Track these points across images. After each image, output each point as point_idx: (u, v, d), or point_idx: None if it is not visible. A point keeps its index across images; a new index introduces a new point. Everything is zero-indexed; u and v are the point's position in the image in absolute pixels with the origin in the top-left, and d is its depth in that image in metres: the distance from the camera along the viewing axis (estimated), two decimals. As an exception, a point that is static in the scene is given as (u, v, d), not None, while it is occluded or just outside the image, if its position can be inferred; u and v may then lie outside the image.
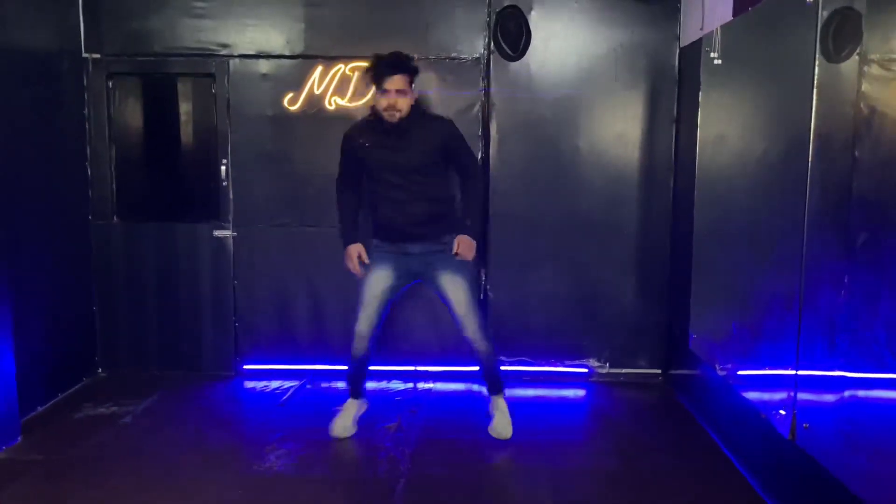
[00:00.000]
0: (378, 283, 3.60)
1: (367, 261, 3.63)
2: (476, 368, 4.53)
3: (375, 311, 3.61)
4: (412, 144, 3.47)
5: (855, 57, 2.80)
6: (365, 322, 3.61)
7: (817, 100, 2.71)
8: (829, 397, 2.81)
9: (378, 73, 3.40)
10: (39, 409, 3.97)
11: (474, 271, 3.65)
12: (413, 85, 3.49)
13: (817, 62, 2.70)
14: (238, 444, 3.61)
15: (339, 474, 3.30)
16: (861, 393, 2.71)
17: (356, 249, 3.64)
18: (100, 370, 4.60)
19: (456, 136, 3.62)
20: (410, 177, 3.49)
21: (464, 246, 3.55)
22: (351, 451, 3.53)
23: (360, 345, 3.65)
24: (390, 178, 3.52)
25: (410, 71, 3.45)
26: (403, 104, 3.42)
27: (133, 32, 4.41)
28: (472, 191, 3.67)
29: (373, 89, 4.34)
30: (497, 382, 3.76)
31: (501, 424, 3.68)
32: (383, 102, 3.41)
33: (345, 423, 3.70)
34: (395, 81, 3.38)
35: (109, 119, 4.48)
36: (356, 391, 3.79)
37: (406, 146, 3.48)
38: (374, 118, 3.54)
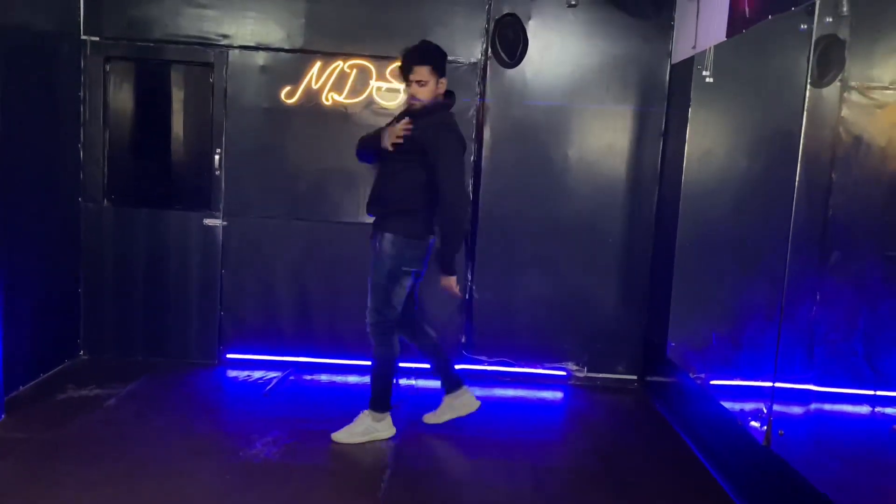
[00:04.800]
0: None
1: None
2: (457, 367, 4.63)
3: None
4: (411, 131, 3.40)
5: (837, 83, 2.95)
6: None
7: (806, 122, 2.84)
8: (803, 408, 2.94)
9: (403, 64, 3.45)
10: (21, 388, 3.95)
11: (385, 273, 3.47)
12: (440, 75, 3.45)
13: (808, 86, 2.83)
14: (224, 431, 3.64)
15: (325, 464, 3.35)
16: (831, 407, 2.85)
17: None
18: (82, 353, 4.60)
19: (434, 147, 3.35)
20: (391, 157, 3.44)
21: (444, 285, 3.51)
22: (336, 442, 3.58)
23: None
24: (383, 153, 3.49)
25: (432, 61, 3.43)
26: (423, 92, 3.41)
27: (133, 17, 4.42)
28: (446, 222, 3.40)
29: (370, 87, 4.50)
30: (372, 394, 3.65)
31: (345, 428, 3.62)
32: (407, 92, 3.49)
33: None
34: (416, 72, 3.40)
35: (105, 103, 4.48)
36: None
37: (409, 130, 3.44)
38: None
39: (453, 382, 3.81)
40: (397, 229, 3.44)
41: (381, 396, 3.61)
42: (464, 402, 3.80)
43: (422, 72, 3.39)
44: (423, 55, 3.43)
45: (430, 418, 3.83)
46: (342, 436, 3.57)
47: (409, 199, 3.45)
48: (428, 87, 3.41)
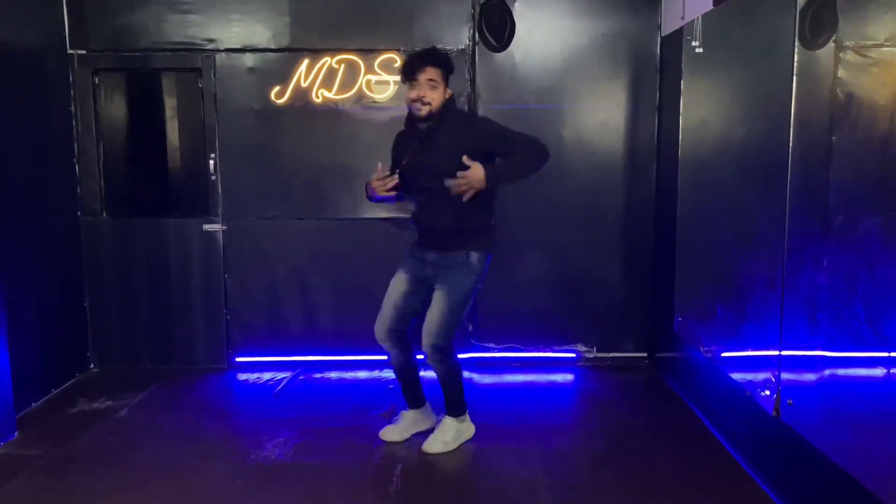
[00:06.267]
0: (395, 286, 3.45)
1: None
2: (466, 356, 4.63)
3: (391, 316, 3.42)
4: (440, 146, 3.25)
5: (831, 44, 2.89)
6: (379, 324, 3.45)
7: (797, 86, 2.79)
8: (811, 376, 2.91)
9: (410, 63, 3.24)
10: (34, 404, 3.99)
11: (469, 289, 3.34)
12: (447, 83, 3.28)
13: (796, 50, 2.78)
14: (235, 434, 3.65)
15: (337, 461, 3.35)
16: (841, 371, 2.81)
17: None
18: (92, 366, 4.62)
19: (491, 133, 3.26)
20: (436, 182, 3.19)
21: (472, 173, 3.08)
22: (347, 439, 3.58)
23: (387, 348, 3.49)
24: (419, 182, 3.31)
25: (443, 65, 3.27)
26: (434, 96, 3.21)
27: (118, 28, 4.42)
28: (531, 152, 3.20)
29: (359, 81, 4.47)
30: (449, 403, 3.53)
31: (431, 439, 3.51)
32: (412, 94, 3.23)
33: (397, 429, 3.62)
34: (428, 72, 3.20)
35: (96, 115, 4.48)
36: (407, 401, 3.65)
37: (434, 148, 3.26)
38: (406, 123, 3.41)
39: (420, 399, 3.68)
40: (479, 246, 3.34)
41: (460, 401, 3.54)
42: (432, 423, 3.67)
43: (434, 72, 3.22)
44: (435, 57, 3.27)
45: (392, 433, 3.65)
46: (437, 447, 3.46)
47: (480, 213, 3.32)
48: (439, 91, 3.23)
